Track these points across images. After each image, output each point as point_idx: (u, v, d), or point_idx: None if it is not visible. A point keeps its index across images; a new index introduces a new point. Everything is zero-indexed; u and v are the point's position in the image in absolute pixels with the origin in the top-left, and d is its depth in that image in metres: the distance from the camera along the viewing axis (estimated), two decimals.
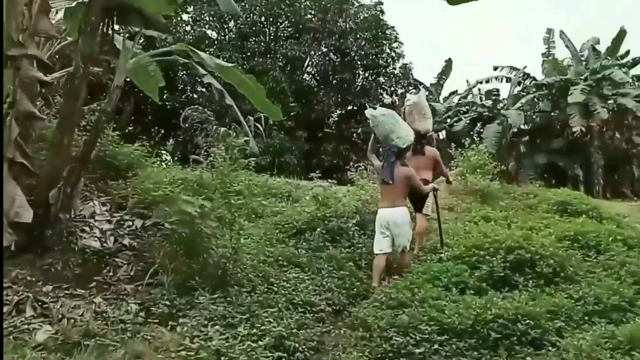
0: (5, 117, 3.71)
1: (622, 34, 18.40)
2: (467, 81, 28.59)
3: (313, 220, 5.84)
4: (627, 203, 12.58)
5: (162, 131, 18.20)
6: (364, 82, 20.33)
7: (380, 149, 5.26)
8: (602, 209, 8.04)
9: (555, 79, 19.39)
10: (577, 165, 19.16)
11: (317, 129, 20.18)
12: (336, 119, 21.23)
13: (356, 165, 9.59)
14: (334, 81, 20.07)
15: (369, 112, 5.12)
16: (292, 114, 19.03)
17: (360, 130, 20.28)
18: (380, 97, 20.31)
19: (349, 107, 21.01)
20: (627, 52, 19.52)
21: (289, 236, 5.69)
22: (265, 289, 4.31)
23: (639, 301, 4.45)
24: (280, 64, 18.81)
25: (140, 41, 6.21)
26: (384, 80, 19.95)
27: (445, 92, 24.29)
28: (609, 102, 18.21)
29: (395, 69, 19.78)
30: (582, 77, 19.09)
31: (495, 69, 22.61)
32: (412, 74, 19.86)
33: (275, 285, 4.43)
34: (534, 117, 21.27)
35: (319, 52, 19.93)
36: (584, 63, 19.82)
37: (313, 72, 20.70)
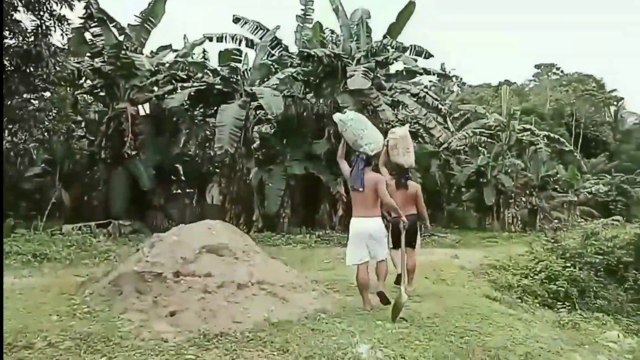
0: None
1: (410, 8, 13.63)
2: (185, 36, 20.56)
3: None
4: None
5: None
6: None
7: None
8: None
9: (325, 51, 13.11)
10: (338, 182, 13.37)
11: None
12: None
13: None
14: None
15: (337, 116, 4.78)
16: None
17: None
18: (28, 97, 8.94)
19: None
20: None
21: None
22: None
23: None
24: None
25: None
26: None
27: (153, 44, 14.90)
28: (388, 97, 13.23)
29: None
30: (357, 58, 13.55)
31: (236, 21, 14.91)
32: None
33: None
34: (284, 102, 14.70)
35: None
36: (355, 38, 14.41)
37: None
